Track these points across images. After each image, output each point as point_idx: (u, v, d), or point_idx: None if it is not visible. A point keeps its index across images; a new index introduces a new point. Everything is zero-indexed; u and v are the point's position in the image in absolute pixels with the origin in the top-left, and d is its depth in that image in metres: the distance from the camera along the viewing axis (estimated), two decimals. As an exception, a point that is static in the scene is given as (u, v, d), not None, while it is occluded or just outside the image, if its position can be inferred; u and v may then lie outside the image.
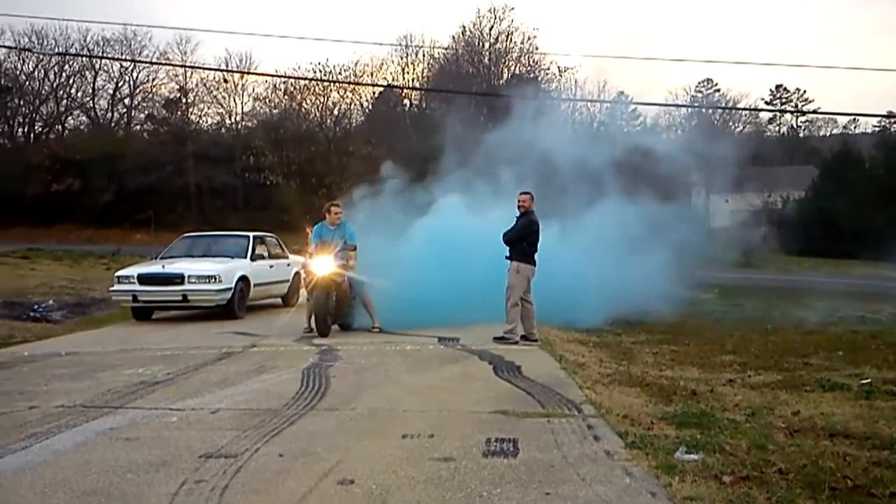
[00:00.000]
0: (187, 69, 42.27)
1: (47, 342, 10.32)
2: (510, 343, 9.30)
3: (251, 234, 13.95)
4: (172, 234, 19.00)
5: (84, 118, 47.03)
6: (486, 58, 43.85)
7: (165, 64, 42.82)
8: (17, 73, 43.75)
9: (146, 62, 43.37)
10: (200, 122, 45.21)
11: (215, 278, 12.10)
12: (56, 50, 41.05)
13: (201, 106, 44.72)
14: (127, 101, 46.33)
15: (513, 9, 48.61)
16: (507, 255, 9.70)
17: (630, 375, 7.64)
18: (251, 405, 6.04)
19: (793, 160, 48.50)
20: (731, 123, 49.66)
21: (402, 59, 43.77)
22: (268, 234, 15.08)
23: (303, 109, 43.74)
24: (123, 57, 43.18)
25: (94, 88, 45.69)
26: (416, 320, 10.54)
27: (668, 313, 12.77)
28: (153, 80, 45.24)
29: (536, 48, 43.75)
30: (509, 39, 43.92)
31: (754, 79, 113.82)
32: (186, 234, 15.26)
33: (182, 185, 40.11)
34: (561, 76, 43.48)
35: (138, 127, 46.79)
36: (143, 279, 12.14)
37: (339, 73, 42.03)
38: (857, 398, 6.56)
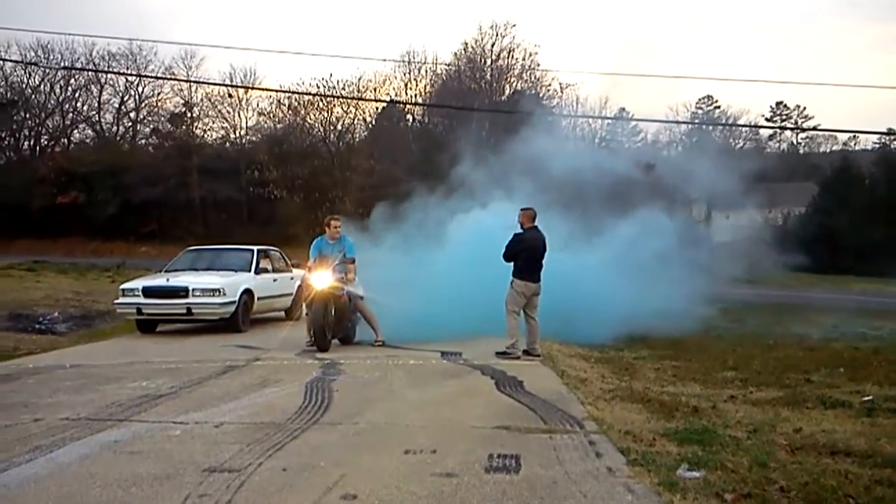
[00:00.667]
0: (192, 84, 42.57)
1: (52, 354, 10.36)
2: (512, 358, 9.33)
3: (255, 248, 14.00)
4: (177, 248, 19.07)
5: (89, 131, 47.35)
6: (488, 74, 44.04)
7: (170, 79, 43.10)
8: (24, 86, 44.11)
9: (151, 77, 43.68)
10: (205, 136, 45.48)
11: (219, 291, 12.15)
12: (62, 64, 41.49)
13: (206, 120, 45.00)
14: (132, 114, 46.64)
15: (514, 25, 48.78)
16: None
17: (632, 391, 7.65)
18: (254, 419, 6.06)
19: (793, 176, 48.53)
20: (731, 140, 49.81)
21: (405, 74, 44.03)
22: (272, 247, 15.13)
23: (306, 124, 43.96)
24: (129, 71, 43.48)
25: (99, 102, 46.04)
26: (419, 334, 10.58)
27: (670, 329, 12.78)
28: (158, 94, 45.57)
29: (538, 65, 43.93)
30: (511, 56, 44.12)
31: (755, 95, 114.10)
32: (191, 248, 15.31)
33: (186, 198, 40.26)
34: (562, 93, 43.71)
35: (143, 140, 47.08)
36: (148, 292, 12.19)
37: (343, 89, 42.23)
38: (859, 416, 6.57)
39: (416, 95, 43.73)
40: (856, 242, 33.30)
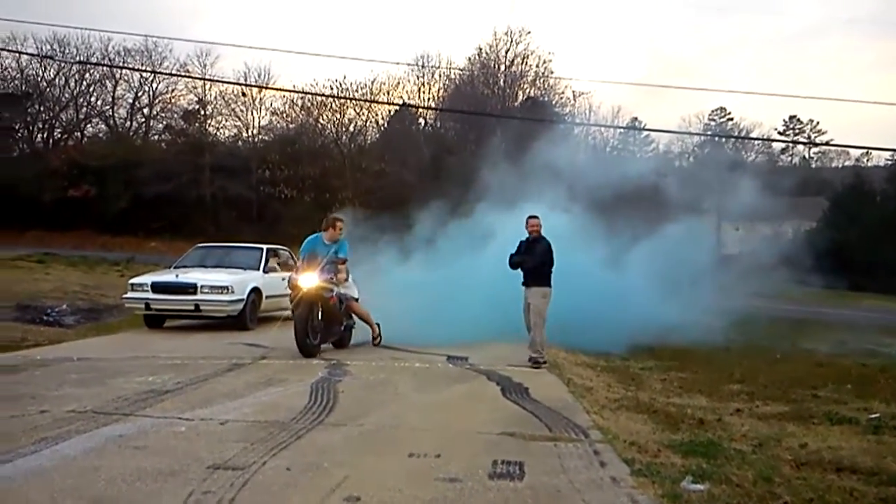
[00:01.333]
0: (206, 82, 42.69)
1: (60, 347, 10.42)
2: (542, 365, 9.29)
3: (264, 247, 14.06)
4: (186, 244, 19.14)
5: (103, 126, 47.52)
6: (502, 80, 44.09)
7: (185, 76, 43.24)
8: (39, 79, 44.28)
9: (166, 73, 43.77)
10: (218, 134, 45.57)
11: (228, 289, 12.19)
12: (77, 58, 41.61)
13: (219, 118, 45.10)
14: (146, 110, 46.79)
15: (529, 32, 48.71)
16: (524, 280, 9.64)
17: (638, 401, 7.63)
18: (259, 417, 6.07)
19: (805, 191, 48.37)
20: (743, 152, 49.66)
21: (418, 78, 44.14)
22: (281, 246, 15.19)
23: (319, 125, 44.06)
24: (144, 68, 43.65)
25: (113, 97, 46.18)
26: (424, 337, 10.60)
27: (677, 339, 12.74)
28: (172, 91, 45.67)
29: (552, 72, 43.98)
30: (525, 63, 44.18)
31: (768, 108, 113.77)
32: (200, 245, 15.39)
33: (197, 195, 40.36)
34: (575, 101, 43.72)
35: (156, 137, 47.24)
36: (157, 287, 12.24)
37: (356, 91, 42.30)
38: (865, 432, 6.53)
39: (428, 99, 43.82)
40: (865, 258, 33.13)
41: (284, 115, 44.60)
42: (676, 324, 12.93)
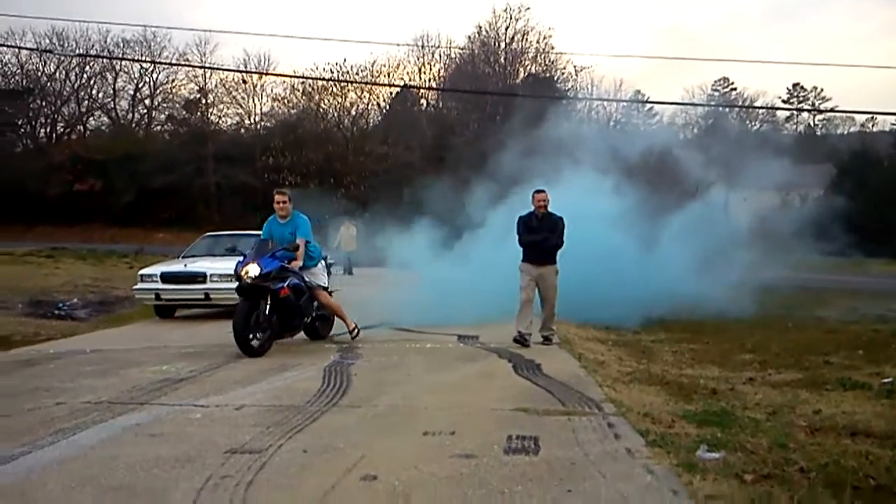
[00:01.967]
0: (206, 70, 42.72)
1: (72, 340, 10.47)
2: (554, 342, 9.29)
3: (271, 234, 14.04)
4: (194, 234, 19.20)
5: (105, 119, 47.66)
6: (502, 57, 43.84)
7: (185, 65, 43.27)
8: (39, 74, 44.36)
9: (166, 63, 43.86)
10: (220, 122, 45.69)
11: (236, 277, 12.21)
12: (77, 51, 41.62)
13: (221, 106, 45.17)
14: (147, 101, 46.87)
15: (528, 8, 48.50)
16: (535, 258, 9.17)
17: (650, 374, 7.64)
18: (274, 402, 6.10)
19: (811, 158, 48.07)
20: (747, 122, 49.36)
21: (418, 59, 44.06)
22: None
23: (321, 110, 44.00)
24: (143, 58, 43.64)
25: (114, 89, 46.30)
26: (435, 318, 10.62)
27: (688, 312, 12.72)
28: (173, 80, 45.76)
29: (552, 48, 43.77)
30: (525, 39, 43.92)
31: (771, 77, 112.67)
32: (208, 234, 15.42)
33: (202, 184, 40.47)
34: (577, 75, 43.47)
35: (159, 127, 47.36)
36: (166, 278, 12.29)
37: (357, 74, 42.29)
38: (878, 397, 6.53)
39: (429, 80, 43.66)
40: (874, 225, 32.94)
41: (286, 100, 44.65)
42: (691, 297, 12.90)
